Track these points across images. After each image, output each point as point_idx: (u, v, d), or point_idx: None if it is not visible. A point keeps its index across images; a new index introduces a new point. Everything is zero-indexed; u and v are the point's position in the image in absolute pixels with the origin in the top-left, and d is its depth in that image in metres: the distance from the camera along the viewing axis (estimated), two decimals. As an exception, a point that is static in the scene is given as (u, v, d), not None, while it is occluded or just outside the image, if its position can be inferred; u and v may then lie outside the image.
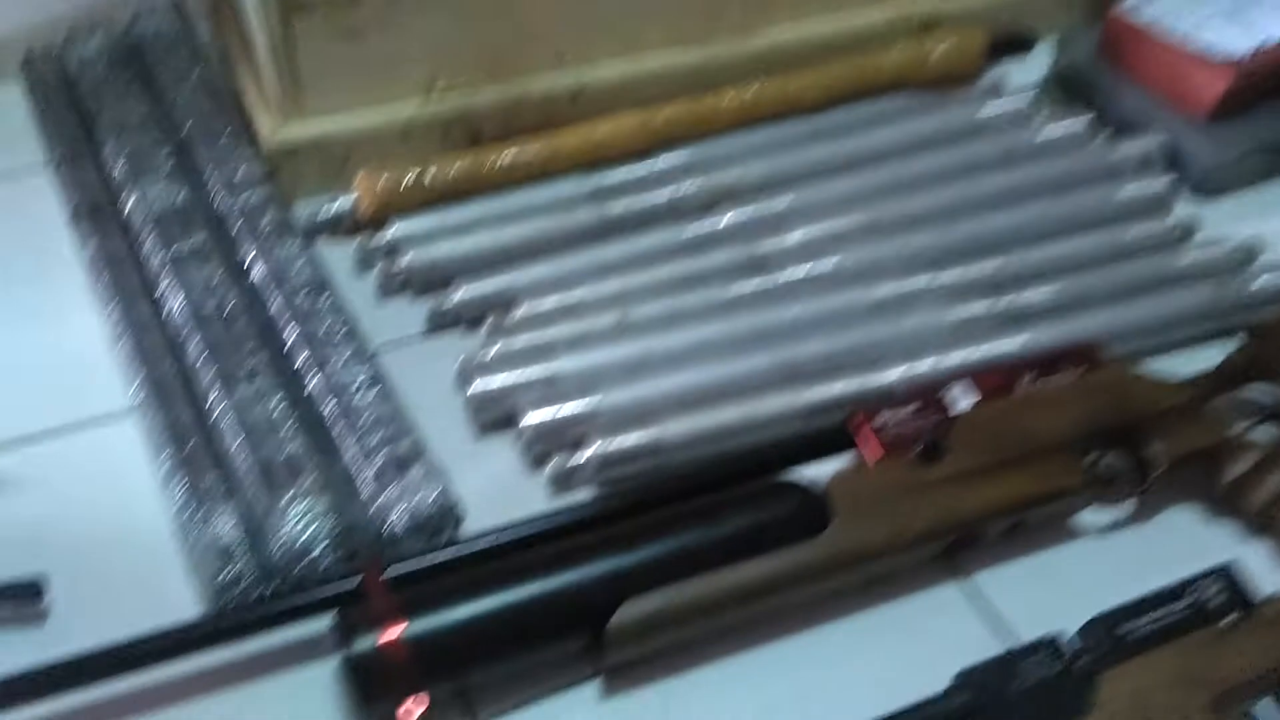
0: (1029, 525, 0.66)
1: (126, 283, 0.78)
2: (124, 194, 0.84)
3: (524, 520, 0.63)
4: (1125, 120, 0.93)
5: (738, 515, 0.63)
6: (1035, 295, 0.78)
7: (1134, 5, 0.95)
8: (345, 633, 0.57)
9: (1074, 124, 0.92)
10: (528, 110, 0.89)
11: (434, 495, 0.66)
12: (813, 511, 0.62)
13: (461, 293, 0.79)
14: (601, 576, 0.60)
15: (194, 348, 0.73)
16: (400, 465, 0.67)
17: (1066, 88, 0.98)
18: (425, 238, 0.82)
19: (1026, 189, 0.86)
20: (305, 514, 0.64)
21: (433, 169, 0.84)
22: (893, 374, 0.73)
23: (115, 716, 0.59)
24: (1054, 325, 0.76)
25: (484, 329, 0.77)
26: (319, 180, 0.86)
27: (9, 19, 0.96)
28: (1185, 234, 0.84)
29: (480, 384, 0.72)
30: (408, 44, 0.84)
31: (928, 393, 0.68)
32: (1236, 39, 0.90)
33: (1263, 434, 0.71)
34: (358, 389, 0.71)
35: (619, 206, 0.84)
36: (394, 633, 0.56)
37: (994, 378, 0.69)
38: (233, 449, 0.68)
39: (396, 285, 0.81)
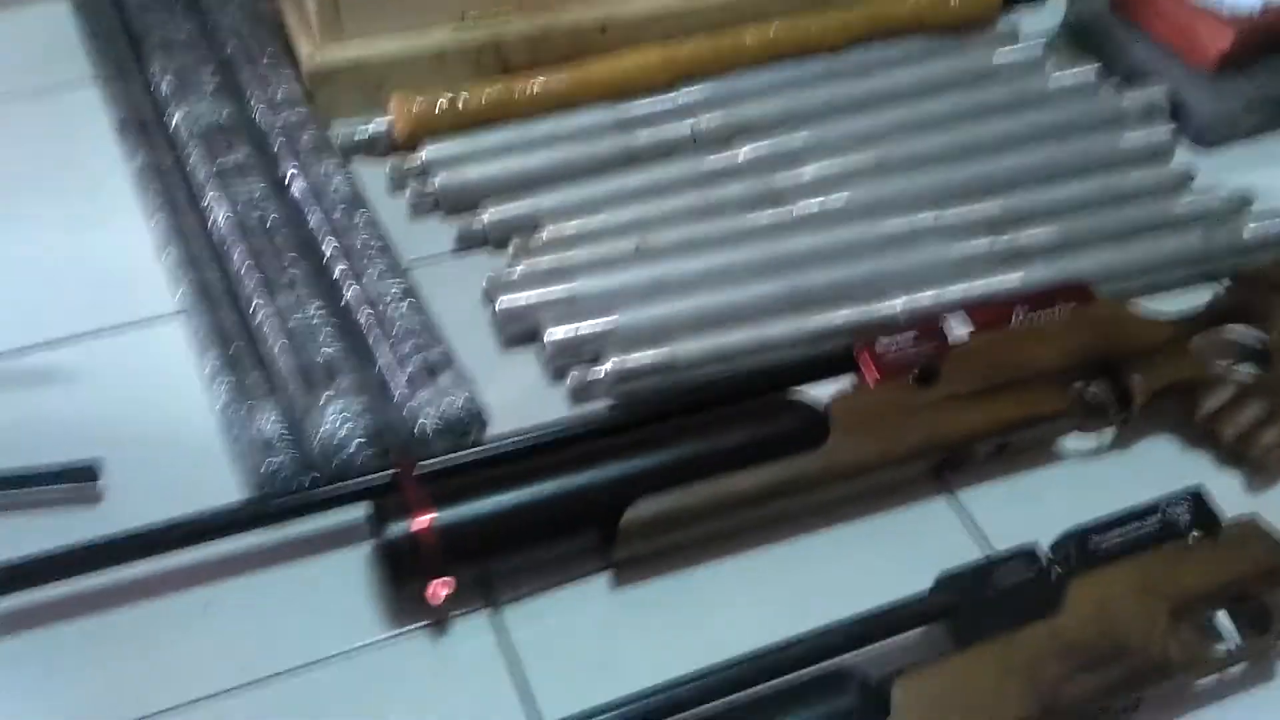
0: (1015, 448, 0.71)
1: (173, 194, 0.82)
2: (170, 110, 0.88)
3: (545, 425, 0.67)
4: (1133, 70, 0.96)
5: (744, 426, 0.67)
6: (1035, 234, 0.82)
7: (1147, -42, 0.97)
8: (379, 520, 0.62)
9: (1083, 72, 0.95)
10: (556, 41, 0.92)
11: (462, 400, 0.70)
12: (813, 426, 0.67)
13: (489, 214, 0.83)
14: (615, 478, 0.64)
15: (237, 256, 0.77)
16: (431, 371, 0.72)
17: (1078, 37, 1.01)
18: (455, 161, 0.86)
19: (1033, 133, 0.90)
20: (342, 413, 0.68)
21: (464, 95, 0.88)
22: (895, 304, 0.77)
23: (164, 590, 0.64)
24: (1051, 263, 0.80)
25: (510, 249, 0.82)
26: (355, 103, 0.90)
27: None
28: (1183, 181, 0.88)
29: (505, 301, 0.77)
30: (443, -29, 0.88)
31: (927, 322, 0.73)
32: (1245, -6, 0.93)
33: (1241, 373, 0.76)
34: (391, 300, 0.75)
35: (641, 137, 0.88)
36: (424, 521, 0.61)
37: (990, 310, 0.74)
38: (274, 351, 0.72)
39: (427, 205, 0.85)
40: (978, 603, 0.59)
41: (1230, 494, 0.70)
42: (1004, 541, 0.67)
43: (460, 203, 0.84)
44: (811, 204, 0.84)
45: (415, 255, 0.82)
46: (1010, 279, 0.79)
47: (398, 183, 0.86)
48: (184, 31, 0.93)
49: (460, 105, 0.87)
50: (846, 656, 0.58)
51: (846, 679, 0.56)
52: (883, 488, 0.69)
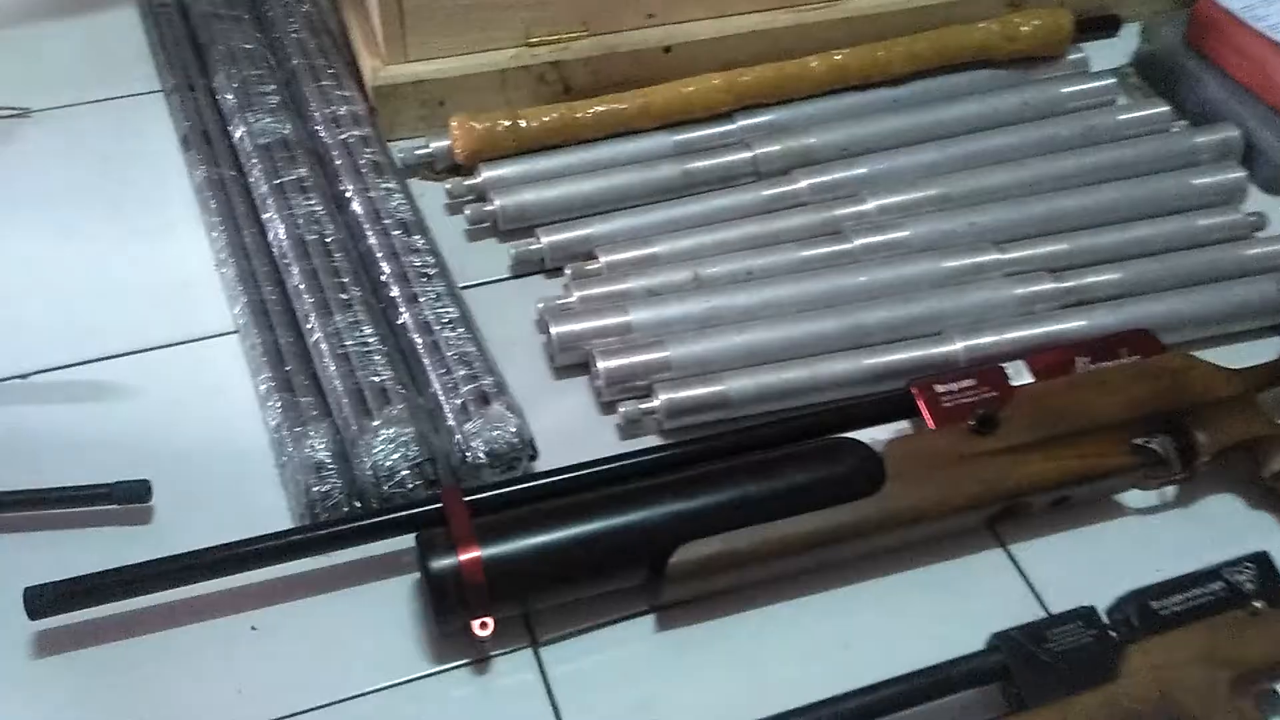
0: (1074, 501, 0.69)
1: (233, 209, 0.83)
2: (233, 123, 0.88)
3: (595, 460, 0.67)
4: (1206, 109, 0.94)
5: (798, 469, 0.66)
6: (1100, 278, 0.80)
7: (1225, -7, 0.95)
8: (425, 553, 0.62)
9: (1154, 109, 0.93)
10: (618, 62, 0.92)
11: (512, 431, 0.69)
12: (869, 471, 0.66)
13: (546, 239, 0.82)
14: (665, 518, 0.63)
15: (295, 275, 0.77)
16: (482, 400, 0.71)
17: (1150, 72, 0.99)
18: (514, 183, 0.86)
19: (1101, 172, 0.88)
20: (393, 439, 0.68)
21: (524, 118, 0.87)
22: (955, 346, 0.76)
23: (210, 612, 0.64)
24: (1115, 309, 0.78)
25: (565, 276, 0.81)
26: (416, 121, 0.90)
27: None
28: (1254, 228, 0.85)
29: (558, 328, 0.76)
30: (509, -6, 0.87)
31: (987, 366, 0.71)
32: (1327, 34, 0.90)
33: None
34: (445, 325, 0.75)
35: (700, 164, 0.87)
36: (470, 557, 0.61)
37: (1052, 356, 0.72)
38: (328, 373, 0.72)
39: (485, 228, 0.85)
40: (1032, 665, 0.58)
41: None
42: (1059, 599, 0.66)
43: (517, 226, 0.84)
44: (872, 239, 0.83)
45: (471, 278, 0.82)
46: (1073, 324, 0.77)
47: (456, 204, 0.86)
48: (248, 45, 0.93)
49: (520, 128, 0.87)
50: (895, 717, 0.57)
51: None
52: (936, 537, 0.68)
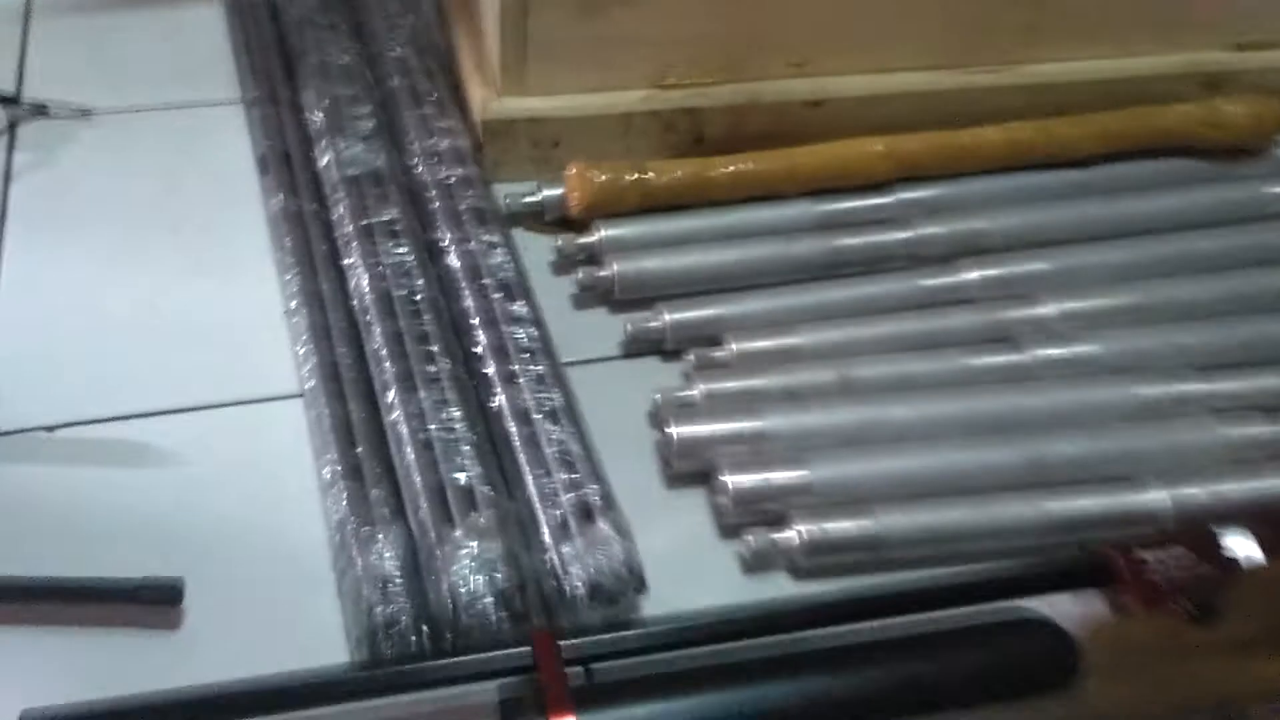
0: (1306, 713, 0.56)
1: (310, 249, 0.72)
2: (319, 148, 0.78)
3: (719, 611, 0.56)
4: None
5: (973, 649, 0.54)
6: (1328, 426, 0.67)
7: None
8: (510, 712, 0.50)
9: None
10: (760, 115, 0.81)
11: (619, 559, 0.57)
12: (1060, 660, 0.53)
13: (667, 316, 0.71)
14: (806, 702, 0.51)
15: (376, 337, 0.66)
16: (585, 515, 0.59)
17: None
18: (633, 247, 0.74)
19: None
20: (477, 557, 0.56)
21: (651, 172, 0.76)
22: (1155, 497, 0.63)
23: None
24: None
25: (686, 362, 0.69)
26: (525, 163, 0.79)
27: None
28: None
29: (680, 429, 0.64)
30: (646, 26, 0.76)
31: (1200, 532, 0.58)
32: None
33: None
34: (546, 415, 0.63)
35: (849, 242, 0.76)
36: (565, 725, 0.49)
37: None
38: (405, 463, 0.61)
39: (596, 295, 0.73)
40: None
41: None
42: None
43: (634, 297, 0.73)
44: (1052, 351, 0.70)
45: (575, 354, 0.70)
46: (1300, 481, 0.64)
47: (564, 264, 0.75)
48: (346, 56, 0.82)
49: (648, 181, 0.75)
50: None
51: None
52: (1136, 747, 0.55)
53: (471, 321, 0.68)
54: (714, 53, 0.79)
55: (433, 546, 0.57)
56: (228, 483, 0.63)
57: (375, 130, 0.78)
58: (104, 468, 0.63)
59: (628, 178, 0.75)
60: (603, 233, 0.74)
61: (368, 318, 0.67)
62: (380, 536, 0.58)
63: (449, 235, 0.72)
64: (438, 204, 0.74)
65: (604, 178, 0.75)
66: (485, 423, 0.64)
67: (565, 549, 0.58)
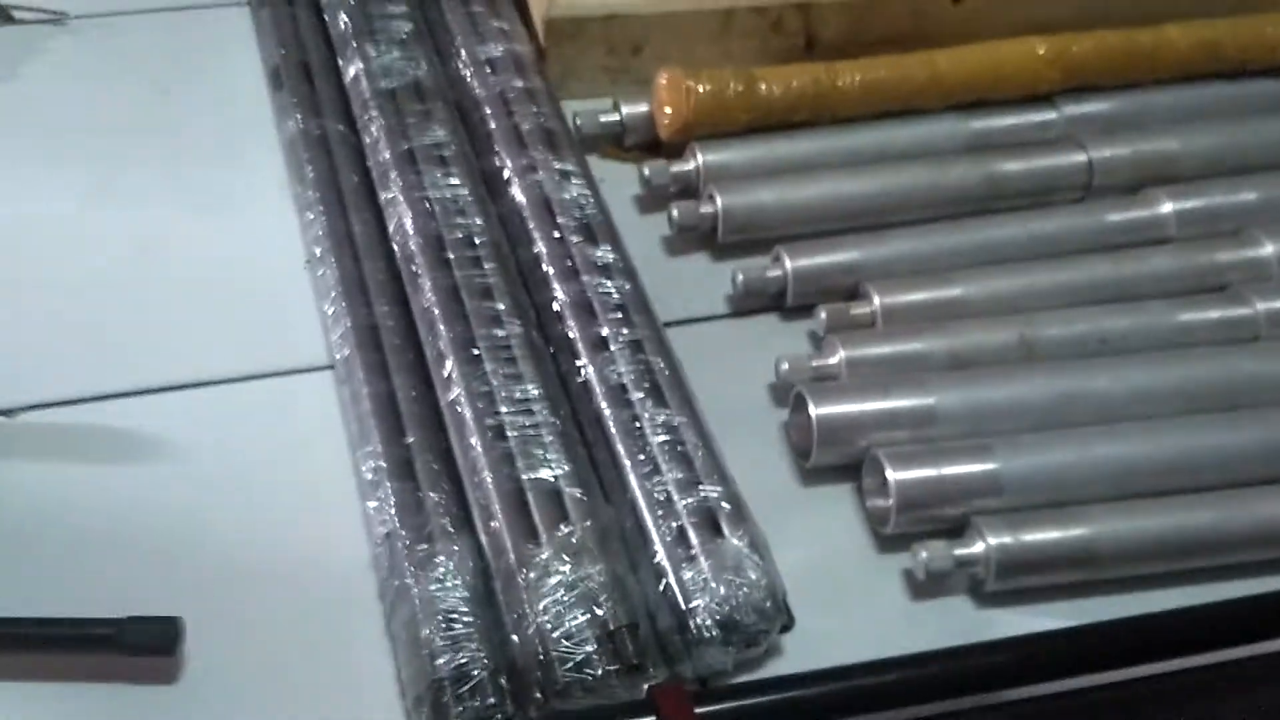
0: None
1: (337, 182, 0.61)
2: (344, 57, 0.67)
3: (902, 660, 0.43)
4: None
5: (1235, 697, 0.44)
6: None
7: None
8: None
9: None
10: (886, 16, 0.70)
11: (761, 585, 0.45)
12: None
13: (789, 263, 0.59)
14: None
15: (425, 292, 0.55)
16: (710, 526, 0.47)
17: None
18: (741, 176, 0.64)
19: None
20: (573, 586, 0.44)
21: (762, 81, 0.64)
22: None
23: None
24: None
25: (816, 321, 0.57)
26: (599, 74, 0.70)
27: None
28: None
29: (821, 410, 0.52)
30: (751, -101, 0.63)
31: None
32: None
33: None
34: (649, 394, 0.51)
35: (1011, 167, 0.65)
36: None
37: None
38: (470, 457, 0.49)
39: (694, 238, 0.62)
40: None
41: None
42: None
43: (745, 238, 0.61)
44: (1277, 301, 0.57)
45: (671, 313, 0.58)
46: None
47: (654, 198, 0.63)
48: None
49: (759, 93, 0.64)
50: None
51: None
52: None
53: (545, 270, 0.57)
54: (834, -66, 0.66)
55: (511, 570, 0.46)
56: (237, 483, 0.52)
57: (413, 34, 0.69)
58: (76, 463, 0.52)
59: (734, 88, 0.62)
60: (702, 158, 0.64)
61: (414, 268, 0.56)
62: (441, 557, 0.46)
63: (511, 163, 0.61)
64: (494, 124, 0.63)
65: (704, 88, 0.63)
66: (569, 402, 0.52)
67: (686, 573, 0.45)
